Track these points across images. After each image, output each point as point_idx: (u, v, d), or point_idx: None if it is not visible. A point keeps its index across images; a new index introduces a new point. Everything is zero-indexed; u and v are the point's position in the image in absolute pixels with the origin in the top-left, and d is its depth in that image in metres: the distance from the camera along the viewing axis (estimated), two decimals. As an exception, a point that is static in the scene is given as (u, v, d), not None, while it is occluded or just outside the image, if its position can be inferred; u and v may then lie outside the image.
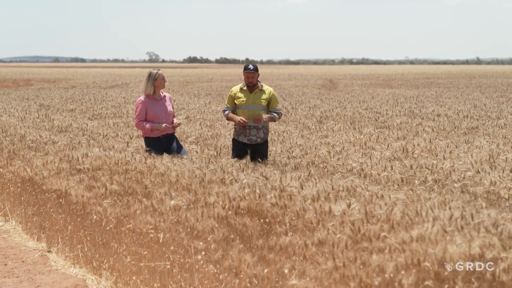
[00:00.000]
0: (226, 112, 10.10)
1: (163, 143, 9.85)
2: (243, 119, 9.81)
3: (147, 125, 9.73)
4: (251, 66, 9.98)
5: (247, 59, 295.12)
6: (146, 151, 9.49)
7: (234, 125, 10.08)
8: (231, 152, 10.34)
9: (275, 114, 10.00)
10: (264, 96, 9.98)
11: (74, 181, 8.22)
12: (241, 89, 10.08)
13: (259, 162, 8.56)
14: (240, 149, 9.87)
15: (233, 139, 10.21)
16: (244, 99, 9.96)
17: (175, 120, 10.06)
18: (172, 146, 9.93)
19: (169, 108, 10.01)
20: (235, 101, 10.04)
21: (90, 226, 7.70)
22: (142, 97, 9.89)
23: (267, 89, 10.09)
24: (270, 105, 10.02)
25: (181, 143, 10.56)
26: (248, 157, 8.50)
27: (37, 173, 9.17)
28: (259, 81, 10.09)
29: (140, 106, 9.80)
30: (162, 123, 9.79)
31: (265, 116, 9.86)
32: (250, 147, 9.85)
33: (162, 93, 10.05)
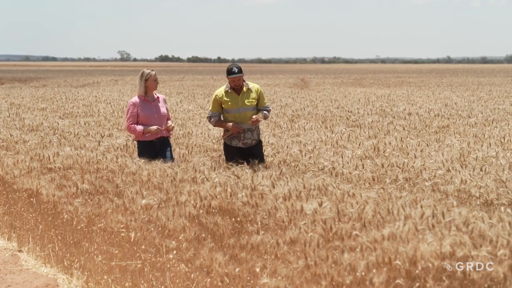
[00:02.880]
0: (213, 120, 9.44)
1: (156, 147, 9.34)
2: (237, 126, 9.26)
3: (138, 128, 9.24)
4: (235, 69, 9.24)
5: (218, 58, 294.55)
6: (139, 156, 8.99)
7: (225, 131, 9.43)
8: (224, 158, 9.69)
9: (266, 112, 9.48)
10: (252, 96, 9.39)
11: (45, 180, 8.16)
12: (226, 92, 9.38)
13: (257, 165, 8.24)
14: (234, 154, 9.29)
15: (225, 144, 9.57)
16: (233, 102, 9.32)
17: (169, 123, 9.51)
18: (165, 152, 9.40)
19: (163, 109, 9.46)
20: (222, 105, 9.39)
21: (61, 225, 7.65)
22: (133, 98, 9.41)
23: (253, 86, 9.48)
24: (259, 103, 9.47)
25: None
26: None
27: (8, 172, 9.10)
28: (244, 80, 9.44)
29: (131, 108, 9.31)
30: (154, 126, 9.29)
31: (260, 116, 9.37)
32: (245, 150, 9.41)
33: (155, 94, 9.51)
